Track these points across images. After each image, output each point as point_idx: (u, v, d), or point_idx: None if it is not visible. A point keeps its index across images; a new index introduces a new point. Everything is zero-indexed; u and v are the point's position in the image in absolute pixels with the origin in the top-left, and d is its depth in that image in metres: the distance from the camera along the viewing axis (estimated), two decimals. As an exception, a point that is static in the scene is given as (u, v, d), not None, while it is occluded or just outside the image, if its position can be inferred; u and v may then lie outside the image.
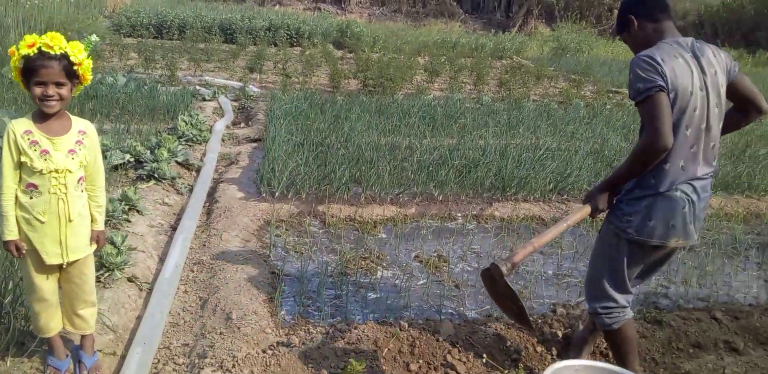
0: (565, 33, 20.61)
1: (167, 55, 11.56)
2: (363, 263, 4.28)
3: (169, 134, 6.40)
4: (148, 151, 5.64)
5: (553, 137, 7.54)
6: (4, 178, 2.49)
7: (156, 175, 5.24)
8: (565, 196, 5.87)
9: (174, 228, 4.63)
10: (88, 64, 2.51)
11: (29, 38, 2.41)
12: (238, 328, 3.26)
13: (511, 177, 5.77)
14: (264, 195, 5.28)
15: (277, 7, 25.35)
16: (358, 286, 3.97)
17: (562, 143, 7.25)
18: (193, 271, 4.05)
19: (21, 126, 2.48)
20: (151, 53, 11.25)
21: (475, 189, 5.74)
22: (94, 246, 2.70)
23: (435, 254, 4.56)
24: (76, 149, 2.54)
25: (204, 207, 5.12)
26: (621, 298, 2.86)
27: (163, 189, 5.26)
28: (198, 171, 5.94)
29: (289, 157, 5.81)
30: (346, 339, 3.19)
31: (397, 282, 4.08)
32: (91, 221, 2.67)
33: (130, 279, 3.68)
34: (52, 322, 2.70)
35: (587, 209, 2.90)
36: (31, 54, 2.38)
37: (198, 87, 9.45)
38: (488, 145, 6.71)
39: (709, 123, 2.66)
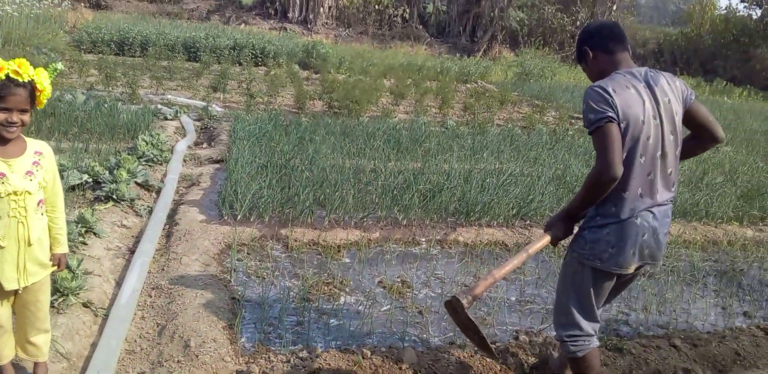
0: (529, 58, 21.03)
1: (128, 72, 11.39)
2: (326, 288, 4.23)
3: (129, 154, 6.29)
4: (107, 172, 5.52)
5: (517, 162, 7.63)
6: None
7: (114, 197, 5.12)
8: (528, 222, 5.92)
9: (132, 252, 4.51)
10: (49, 91, 2.46)
11: None
12: (197, 356, 3.18)
13: (475, 202, 5.80)
14: (226, 218, 5.20)
15: (243, 25, 25.29)
16: (321, 313, 3.92)
17: (525, 168, 7.33)
18: (150, 296, 3.95)
19: None
20: (112, 70, 11.09)
21: (439, 214, 5.74)
22: (52, 268, 2.61)
23: (399, 279, 4.53)
24: (33, 170, 2.47)
25: (164, 229, 5.02)
26: (588, 326, 2.88)
27: (122, 210, 5.14)
28: (158, 192, 5.82)
29: (252, 179, 5.75)
30: (307, 368, 3.13)
31: (360, 308, 4.04)
32: (53, 244, 2.59)
33: (85, 305, 3.56)
34: (5, 350, 2.60)
35: (547, 238, 2.92)
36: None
37: (160, 106, 9.32)
38: (453, 169, 6.75)
39: (664, 150, 2.72)
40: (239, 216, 5.22)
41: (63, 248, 2.64)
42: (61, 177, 5.48)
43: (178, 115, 8.96)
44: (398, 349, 3.37)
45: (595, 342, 2.91)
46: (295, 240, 5.01)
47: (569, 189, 6.66)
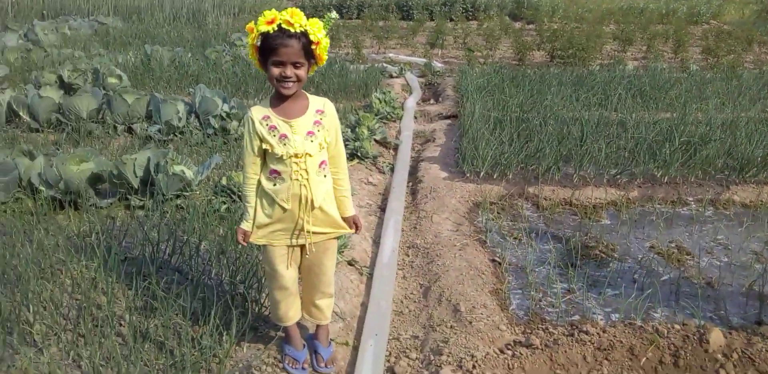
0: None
1: (351, 33, 11.58)
2: (592, 253, 3.83)
3: (365, 112, 6.29)
4: (349, 130, 5.53)
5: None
6: (246, 167, 2.37)
7: (359, 154, 5.11)
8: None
9: (382, 209, 4.46)
10: (326, 43, 2.27)
11: (268, 14, 2.20)
12: (470, 323, 2.98)
13: (749, 156, 4.98)
14: (468, 175, 4.97)
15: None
16: (591, 280, 3.54)
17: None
18: (408, 255, 3.84)
19: (259, 112, 2.32)
20: (336, 32, 11.32)
21: (704, 170, 5.03)
22: (340, 230, 2.50)
23: (673, 245, 3.99)
24: (314, 130, 2.34)
25: (407, 186, 4.92)
26: None
27: (366, 168, 5.12)
28: (395, 149, 5.76)
29: (490, 134, 5.44)
30: (595, 344, 2.79)
31: (635, 276, 3.59)
32: (340, 207, 2.48)
33: (350, 263, 3.54)
34: (291, 311, 2.57)
35: None
36: (271, 31, 2.18)
37: (384, 64, 9.32)
38: (712, 118, 5.89)
39: None
40: (482, 174, 4.96)
41: (350, 210, 2.52)
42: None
43: (403, 72, 8.89)
44: (698, 328, 2.90)
45: None
46: (545, 199, 4.65)
47: None
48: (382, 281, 3.37)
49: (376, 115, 6.31)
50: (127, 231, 3.60)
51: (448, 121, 6.69)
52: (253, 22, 2.25)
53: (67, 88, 6.82)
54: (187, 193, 4.22)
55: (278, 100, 2.33)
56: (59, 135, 5.65)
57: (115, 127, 5.79)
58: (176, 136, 5.67)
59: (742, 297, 3.36)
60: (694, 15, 16.64)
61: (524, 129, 5.64)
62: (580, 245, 3.88)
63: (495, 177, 4.95)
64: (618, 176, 4.93)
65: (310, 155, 2.33)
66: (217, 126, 5.68)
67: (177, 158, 4.24)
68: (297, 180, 2.32)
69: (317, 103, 2.38)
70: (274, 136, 2.30)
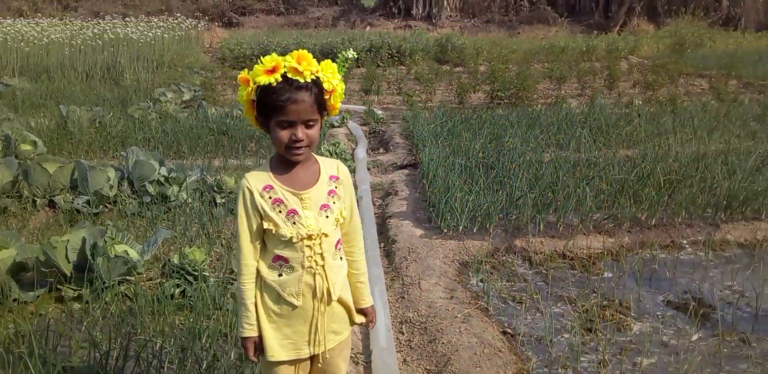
0: (683, 27, 19.04)
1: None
2: (607, 314, 3.41)
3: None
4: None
5: (744, 139, 6.46)
6: (242, 254, 1.82)
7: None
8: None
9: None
10: (342, 89, 1.80)
11: (269, 61, 1.72)
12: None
13: (734, 191, 4.76)
14: (446, 231, 4.51)
15: (368, 28, 25.02)
16: (618, 347, 3.10)
17: (755, 145, 6.16)
18: (403, 333, 3.31)
19: (258, 181, 1.81)
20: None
21: (687, 209, 4.76)
22: (353, 326, 1.98)
23: (688, 296, 3.63)
24: (329, 203, 1.83)
25: (380, 247, 4.42)
26: None
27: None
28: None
29: (462, 184, 5.03)
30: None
31: (664, 338, 3.18)
32: (356, 294, 1.96)
33: (342, 353, 2.97)
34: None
35: None
36: (273, 83, 1.70)
37: (324, 114, 8.90)
38: (679, 153, 5.71)
39: None
40: (461, 228, 4.52)
41: (369, 299, 2.01)
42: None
43: (345, 121, 8.48)
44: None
45: None
46: (536, 252, 4.24)
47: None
48: (385, 370, 2.82)
49: (330, 169, 5.81)
50: (63, 333, 2.93)
51: (406, 171, 6.26)
52: (246, 71, 1.76)
53: (-26, 160, 6.02)
54: (132, 278, 3.57)
55: (283, 165, 1.83)
56: (-33, 215, 4.87)
57: (34, 201, 5.04)
58: (107, 207, 5.00)
59: (788, 355, 3.00)
60: (614, 51, 17.14)
61: (495, 176, 5.26)
62: (599, 308, 3.45)
63: (475, 231, 4.51)
64: (603, 221, 4.60)
65: (326, 235, 1.81)
66: (154, 193, 5.05)
67: (117, 236, 3.60)
68: (310, 267, 1.80)
69: (330, 167, 1.89)
70: (280, 212, 1.78)
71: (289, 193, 1.79)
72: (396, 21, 25.78)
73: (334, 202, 1.83)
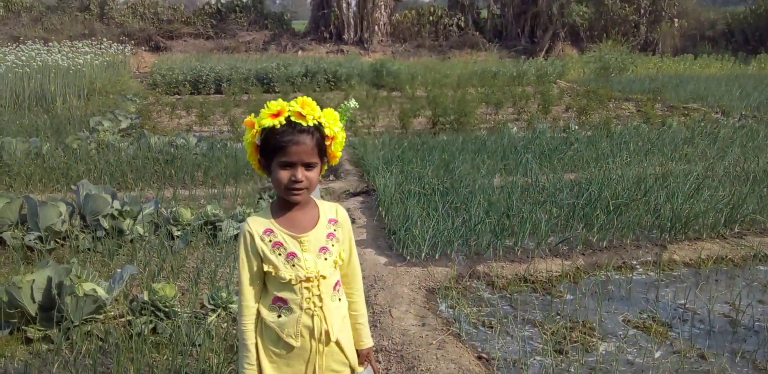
0: (606, 52, 20.03)
1: (227, 111, 11.10)
2: (573, 335, 3.56)
3: (270, 196, 5.79)
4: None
5: (679, 162, 6.86)
6: (243, 296, 1.88)
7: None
8: (737, 230, 5.13)
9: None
10: (342, 137, 1.89)
11: (274, 105, 1.81)
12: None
13: (677, 213, 5.05)
14: (409, 258, 4.59)
15: (299, 52, 25.13)
16: (588, 367, 3.24)
17: (693, 167, 6.54)
18: (380, 362, 3.35)
19: (259, 225, 1.87)
20: (208, 110, 10.78)
21: (634, 231, 5.02)
22: (358, 369, 2.02)
23: (645, 316, 3.83)
24: (328, 245, 1.90)
25: (345, 277, 4.45)
26: None
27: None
28: (316, 234, 5.27)
29: (421, 210, 5.14)
30: None
31: (629, 357, 3.35)
32: (356, 336, 2.01)
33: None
34: None
35: None
36: (277, 125, 1.78)
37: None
38: (621, 176, 6.01)
39: None
40: (423, 255, 4.61)
41: (368, 341, 2.06)
42: (219, 229, 5.01)
43: (292, 148, 8.47)
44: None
45: None
46: (498, 277, 4.37)
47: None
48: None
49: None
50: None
51: (360, 198, 6.33)
52: (252, 115, 1.82)
53: None
54: (101, 316, 3.48)
55: (283, 208, 1.89)
56: None
57: (-21, 240, 4.85)
58: (58, 242, 4.85)
59: (741, 368, 3.20)
60: (543, 75, 17.83)
61: (451, 202, 5.40)
62: (565, 330, 3.59)
63: (437, 257, 4.62)
64: (558, 245, 4.79)
65: (324, 277, 1.87)
66: (108, 227, 4.93)
67: (83, 274, 3.51)
68: (308, 308, 1.85)
69: (329, 210, 1.95)
70: (280, 255, 1.85)
71: (288, 236, 1.85)
72: (328, 45, 26.03)
73: (332, 245, 1.90)
